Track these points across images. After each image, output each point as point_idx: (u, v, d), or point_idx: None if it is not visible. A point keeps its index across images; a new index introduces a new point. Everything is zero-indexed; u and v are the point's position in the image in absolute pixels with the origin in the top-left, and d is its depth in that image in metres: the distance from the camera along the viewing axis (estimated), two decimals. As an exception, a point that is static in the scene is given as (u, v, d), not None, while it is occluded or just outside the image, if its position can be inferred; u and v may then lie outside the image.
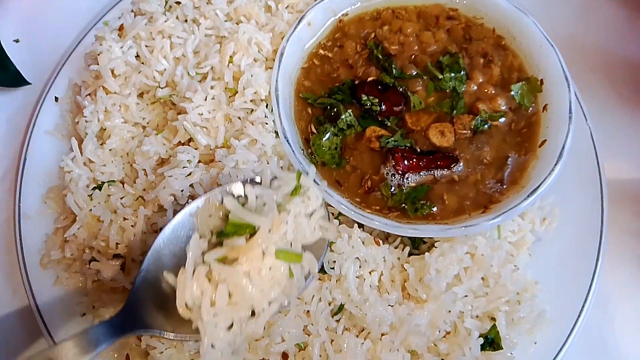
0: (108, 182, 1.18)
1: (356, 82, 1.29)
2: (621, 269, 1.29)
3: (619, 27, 1.57)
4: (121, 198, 1.14)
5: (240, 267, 0.90)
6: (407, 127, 1.24)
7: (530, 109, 1.28)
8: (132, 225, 1.10)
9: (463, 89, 1.28)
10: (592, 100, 1.39)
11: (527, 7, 1.45)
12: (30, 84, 1.41)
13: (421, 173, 1.19)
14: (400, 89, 1.26)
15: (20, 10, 1.53)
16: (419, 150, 1.21)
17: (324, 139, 1.22)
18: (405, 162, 1.18)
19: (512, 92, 1.29)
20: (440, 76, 1.28)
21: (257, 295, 0.91)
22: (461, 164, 1.20)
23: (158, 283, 0.96)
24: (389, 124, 1.24)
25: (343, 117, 1.22)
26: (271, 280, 0.93)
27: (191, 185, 1.13)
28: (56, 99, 1.33)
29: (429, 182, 1.19)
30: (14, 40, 1.47)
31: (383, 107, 1.24)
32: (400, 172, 1.17)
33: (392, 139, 1.21)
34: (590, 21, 1.58)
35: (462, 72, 1.29)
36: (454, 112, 1.26)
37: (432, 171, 1.20)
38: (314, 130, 1.24)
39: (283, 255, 0.93)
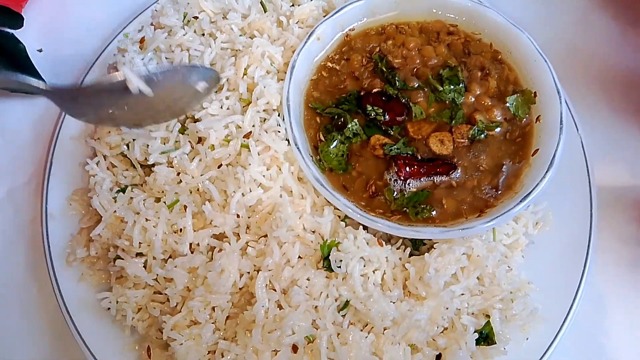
0: (131, 185, 1.23)
1: (362, 93, 1.30)
2: (612, 271, 1.33)
3: (613, 39, 1.61)
4: (143, 200, 1.18)
5: None
6: (409, 136, 1.26)
7: (524, 119, 1.30)
8: (153, 226, 1.15)
9: (462, 100, 1.30)
10: (585, 110, 1.43)
11: (525, 20, 1.46)
12: (53, 91, 1.47)
13: (422, 179, 1.22)
14: (403, 100, 1.28)
15: (43, 21, 1.58)
16: (420, 157, 1.23)
17: (331, 147, 1.25)
18: (407, 169, 1.21)
19: (508, 104, 1.30)
20: (441, 88, 1.30)
21: None
22: (459, 170, 1.23)
23: None
24: (392, 132, 1.26)
25: (349, 126, 1.25)
26: None
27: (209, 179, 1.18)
28: (80, 106, 1.39)
29: (429, 187, 1.22)
30: (38, 50, 1.52)
31: (387, 116, 1.26)
32: (402, 178, 1.21)
33: (395, 146, 1.23)
34: (585, 34, 1.62)
35: (461, 85, 1.31)
36: (453, 122, 1.27)
37: (432, 177, 1.22)
38: (322, 138, 1.26)
39: None
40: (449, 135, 1.26)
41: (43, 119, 1.45)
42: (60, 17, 1.61)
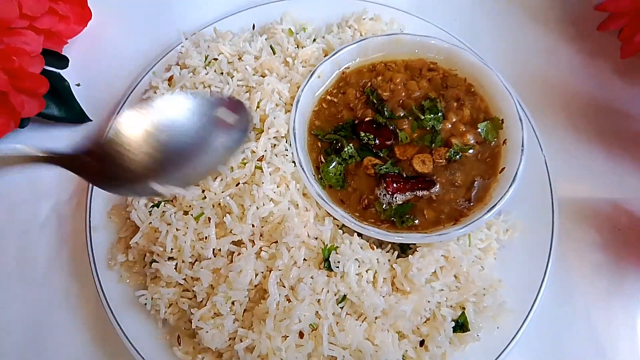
0: (163, 201, 1.33)
1: (356, 121, 1.38)
2: (574, 272, 1.47)
3: (576, 70, 1.76)
4: (174, 213, 1.27)
5: None
6: (396, 157, 1.34)
7: (493, 142, 1.39)
8: (183, 235, 1.24)
9: (440, 127, 1.38)
10: (551, 132, 1.56)
11: (497, 53, 1.65)
12: (91, 120, 1.62)
13: (406, 193, 1.31)
14: (391, 127, 1.37)
15: (80, 58, 1.72)
16: (405, 175, 1.32)
17: (330, 167, 1.33)
18: (395, 185, 1.30)
19: (479, 129, 1.39)
20: (422, 117, 1.39)
21: None
22: (438, 186, 1.32)
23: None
24: (382, 154, 1.35)
25: (346, 149, 1.34)
26: None
27: (229, 196, 1.27)
28: (117, 135, 1.55)
29: (413, 200, 1.31)
30: (76, 85, 1.66)
31: (377, 141, 1.35)
32: (390, 193, 1.30)
33: (384, 166, 1.32)
34: (551, 66, 1.77)
35: (439, 114, 1.39)
36: (433, 145, 1.36)
37: (415, 192, 1.31)
38: (323, 160, 1.35)
39: None
40: (430, 156, 1.35)
41: (81, 145, 1.62)
42: (96, 55, 1.75)
